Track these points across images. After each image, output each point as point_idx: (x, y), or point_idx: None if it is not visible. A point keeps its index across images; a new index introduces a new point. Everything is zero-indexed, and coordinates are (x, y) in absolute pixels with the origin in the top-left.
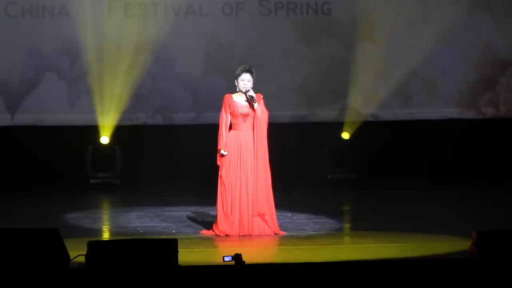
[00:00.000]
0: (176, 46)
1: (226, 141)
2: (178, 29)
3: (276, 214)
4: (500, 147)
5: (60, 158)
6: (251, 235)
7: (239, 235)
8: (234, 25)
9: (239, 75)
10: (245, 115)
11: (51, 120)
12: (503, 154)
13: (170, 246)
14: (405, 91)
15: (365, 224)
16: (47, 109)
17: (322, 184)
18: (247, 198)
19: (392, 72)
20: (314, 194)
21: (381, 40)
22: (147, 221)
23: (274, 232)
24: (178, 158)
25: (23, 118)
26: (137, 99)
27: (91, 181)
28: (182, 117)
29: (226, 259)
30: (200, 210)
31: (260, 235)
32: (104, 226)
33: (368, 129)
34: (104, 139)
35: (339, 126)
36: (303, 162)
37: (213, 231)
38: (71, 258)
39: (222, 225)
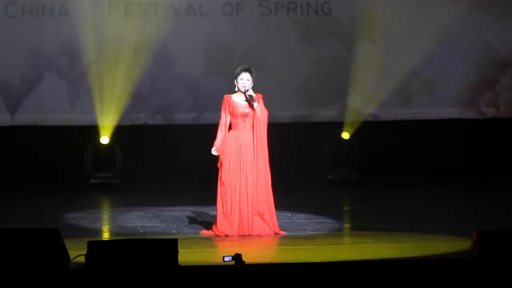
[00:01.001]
0: (176, 46)
1: (222, 142)
2: (178, 29)
3: (276, 214)
4: (500, 147)
5: (60, 158)
6: (251, 235)
7: (239, 235)
8: (234, 25)
9: (238, 74)
10: (245, 115)
11: (51, 120)
12: (503, 154)
13: (170, 246)
14: (405, 91)
15: (365, 224)
16: (47, 109)
17: (322, 184)
18: (247, 198)
19: (392, 72)
20: (314, 194)
21: (381, 40)
22: (147, 221)
23: (274, 232)
24: (178, 158)
25: (23, 118)
26: (137, 99)
27: (91, 181)
28: (182, 117)
29: (226, 259)
30: (200, 210)
31: (260, 235)
32: (104, 226)
33: (368, 129)
34: (104, 139)
35: (339, 126)
36: (303, 162)
37: (213, 231)
38: (71, 258)
39: (222, 225)
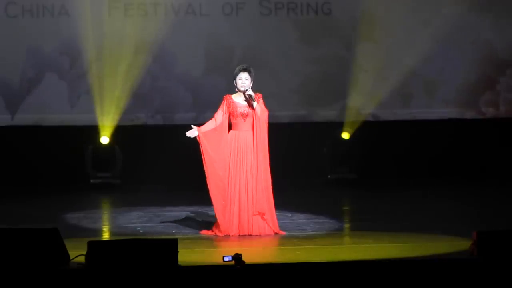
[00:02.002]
0: (176, 46)
1: (206, 128)
2: (178, 29)
3: (276, 214)
4: (500, 147)
5: (60, 158)
6: (251, 235)
7: (239, 235)
8: (234, 25)
9: (237, 74)
10: (245, 115)
11: (51, 120)
12: (503, 154)
13: (170, 246)
14: (405, 91)
15: (365, 224)
16: (47, 109)
17: (322, 184)
18: (246, 198)
19: (392, 72)
20: (314, 194)
21: (381, 40)
22: (147, 221)
23: (274, 231)
24: (178, 158)
25: (23, 118)
26: (137, 99)
27: (91, 181)
28: (182, 117)
29: (226, 259)
30: (200, 210)
31: (260, 235)
32: (104, 226)
33: (368, 129)
34: (104, 139)
35: (339, 126)
36: (303, 162)
37: (213, 231)
38: (71, 258)
39: (222, 225)
